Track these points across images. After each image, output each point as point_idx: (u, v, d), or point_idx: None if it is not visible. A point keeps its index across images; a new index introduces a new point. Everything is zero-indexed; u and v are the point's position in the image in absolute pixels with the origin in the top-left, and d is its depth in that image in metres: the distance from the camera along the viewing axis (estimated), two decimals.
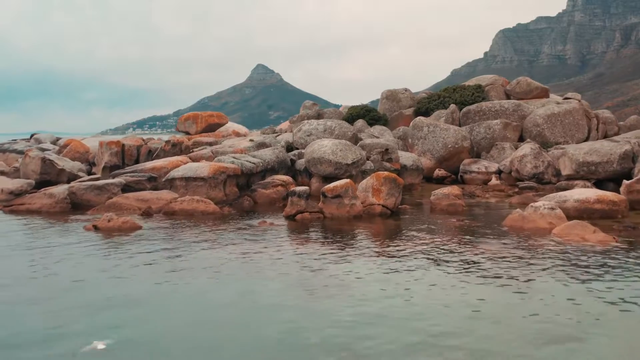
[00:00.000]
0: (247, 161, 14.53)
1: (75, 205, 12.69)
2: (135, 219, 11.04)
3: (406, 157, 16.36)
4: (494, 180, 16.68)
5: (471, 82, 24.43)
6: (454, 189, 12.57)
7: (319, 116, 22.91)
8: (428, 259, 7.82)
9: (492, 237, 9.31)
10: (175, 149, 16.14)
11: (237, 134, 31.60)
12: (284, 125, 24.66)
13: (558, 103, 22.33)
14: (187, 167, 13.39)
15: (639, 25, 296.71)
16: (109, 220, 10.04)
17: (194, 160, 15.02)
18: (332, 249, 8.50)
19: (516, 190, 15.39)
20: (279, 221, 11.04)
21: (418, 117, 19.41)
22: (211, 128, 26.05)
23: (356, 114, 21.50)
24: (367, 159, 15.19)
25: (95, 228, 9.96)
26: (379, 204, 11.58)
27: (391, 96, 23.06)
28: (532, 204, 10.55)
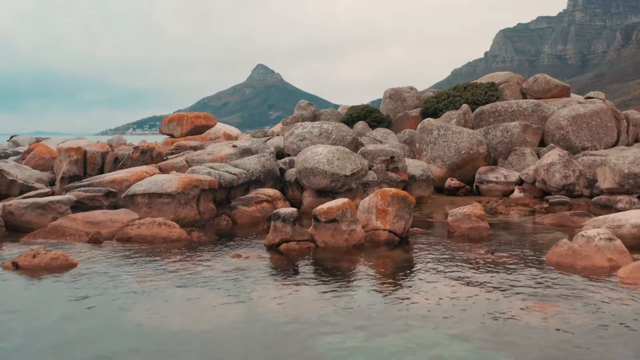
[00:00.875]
0: (226, 172, 12.13)
1: (14, 228, 10.26)
2: (76, 250, 8.64)
3: (415, 166, 13.95)
4: (517, 193, 14.26)
5: (483, 79, 22.02)
6: (475, 208, 10.16)
7: (315, 117, 20.52)
8: (462, 328, 5.40)
9: (541, 282, 6.89)
10: (145, 156, 13.71)
11: (229, 137, 29.22)
12: (277, 127, 22.25)
13: (580, 103, 19.95)
14: (152, 181, 10.99)
15: (639, 25, 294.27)
16: (34, 256, 7.63)
17: (163, 170, 12.61)
18: (324, 304, 6.09)
19: (545, 205, 12.97)
20: (258, 252, 8.64)
21: (427, 119, 16.99)
22: (198, 130, 23.64)
23: (356, 115, 19.11)
24: (370, 169, 12.79)
25: (15, 266, 7.55)
26: (385, 229, 9.18)
27: (395, 95, 20.64)
28: (582, 232, 8.13)
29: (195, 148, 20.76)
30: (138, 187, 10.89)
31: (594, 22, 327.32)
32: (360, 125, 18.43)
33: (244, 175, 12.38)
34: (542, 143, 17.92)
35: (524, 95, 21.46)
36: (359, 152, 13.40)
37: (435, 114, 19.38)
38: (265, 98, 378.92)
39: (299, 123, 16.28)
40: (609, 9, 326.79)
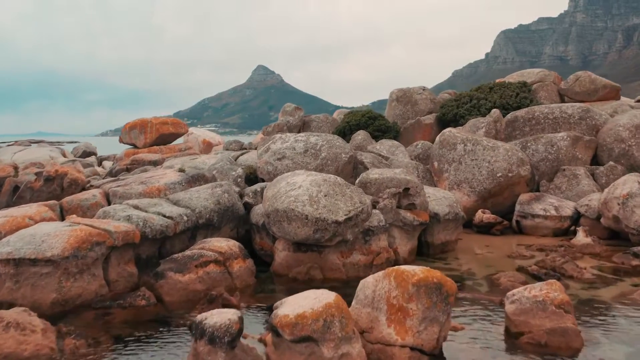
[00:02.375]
0: (158, 214, 7.92)
1: None
2: None
3: (438, 199, 9.70)
4: (582, 237, 9.97)
5: (511, 78, 17.80)
6: (552, 289, 5.91)
7: (304, 125, 16.36)
8: None
9: None
10: (51, 186, 9.46)
11: (209, 145, 24.97)
12: (258, 137, 18.03)
13: (635, 108, 15.75)
14: (25, 236, 6.77)
15: None
16: None
17: (66, 211, 8.39)
18: None
19: (633, 263, 8.72)
20: None
21: (447, 130, 12.74)
22: (165, 139, 19.45)
23: (355, 123, 14.91)
24: (374, 206, 8.58)
25: None
26: (404, 346, 4.99)
27: (404, 98, 16.41)
28: None
29: (155, 163, 16.59)
30: (1, 248, 6.67)
31: (595, 23, 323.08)
32: (361, 136, 14.22)
33: (186, 217, 8.16)
34: (595, 159, 13.72)
35: (561, 98, 17.27)
36: (358, 181, 9.14)
37: (455, 121, 15.17)
38: (265, 99, 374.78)
39: (278, 136, 12.04)
40: (610, 10, 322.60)
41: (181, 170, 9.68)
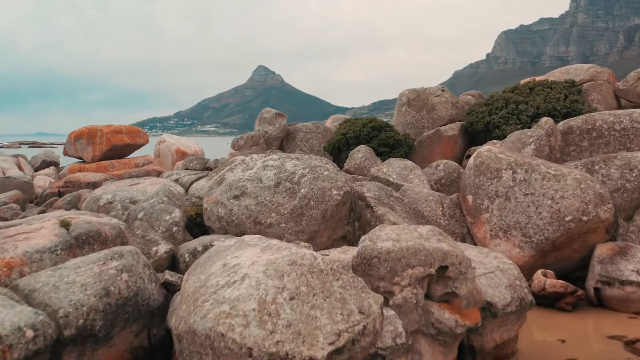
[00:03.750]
0: None
1: None
2: None
3: (490, 274, 5.78)
4: None
5: (552, 75, 13.83)
6: None
7: (287, 136, 12.45)
8: None
9: None
10: None
11: (183, 154, 20.97)
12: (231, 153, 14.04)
13: None
14: None
15: None
16: None
17: None
18: None
19: None
20: None
21: (486, 149, 8.76)
22: (119, 152, 15.55)
23: (354, 135, 10.94)
24: (386, 301, 4.69)
25: None
26: None
27: (417, 101, 12.43)
28: None
29: (95, 185, 12.72)
30: None
31: (596, 24, 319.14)
32: (361, 153, 10.30)
33: (33, 332, 4.26)
34: None
35: (618, 101, 13.38)
36: (357, 255, 5.15)
37: (487, 132, 11.26)
38: (266, 99, 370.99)
39: (240, 158, 8.10)
40: (611, 11, 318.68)
41: (64, 226, 5.77)
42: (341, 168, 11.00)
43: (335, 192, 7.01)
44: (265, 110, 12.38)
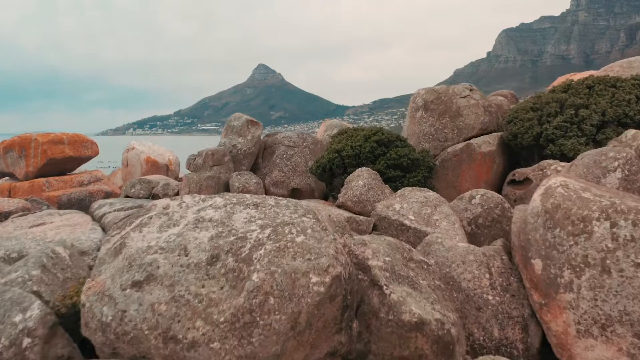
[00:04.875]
0: None
1: None
2: None
3: None
4: None
5: (611, 69, 10.55)
6: None
7: (264, 151, 9.21)
8: None
9: None
10: None
11: (154, 165, 17.73)
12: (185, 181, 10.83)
13: None
14: None
15: None
16: None
17: None
18: None
19: None
20: None
21: (561, 182, 5.49)
22: (59, 166, 12.33)
23: (353, 152, 7.63)
24: None
25: None
26: None
27: (437, 103, 9.02)
28: None
29: (7, 215, 9.54)
30: None
31: (597, 22, 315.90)
32: (363, 180, 7.06)
33: None
34: None
35: None
36: None
37: (538, 148, 8.04)
38: (266, 98, 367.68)
39: (162, 203, 4.84)
40: (613, 9, 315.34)
41: None
42: (334, 200, 7.79)
43: (315, 279, 3.75)
44: (235, 116, 9.13)
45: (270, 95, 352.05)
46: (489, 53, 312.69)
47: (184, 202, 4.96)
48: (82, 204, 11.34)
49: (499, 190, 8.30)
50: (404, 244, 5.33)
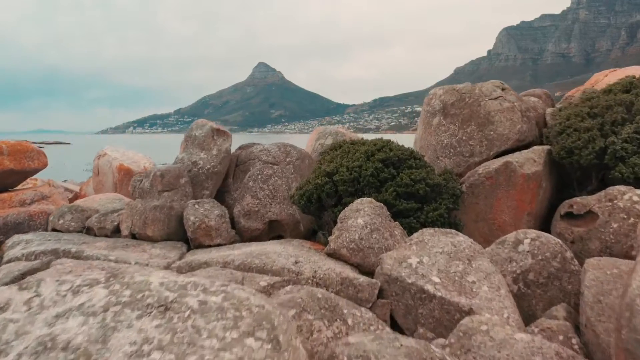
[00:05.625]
0: None
1: None
2: None
3: None
4: None
5: None
6: None
7: (235, 169, 7.08)
8: None
9: None
10: None
11: (127, 173, 15.51)
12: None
13: None
14: None
15: None
16: None
17: None
18: None
19: None
20: None
21: None
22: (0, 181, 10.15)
23: (350, 176, 5.51)
24: None
25: None
26: None
27: (460, 106, 6.82)
28: None
29: None
30: None
31: (598, 20, 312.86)
32: (364, 219, 4.91)
33: None
34: None
35: None
36: None
37: (601, 166, 5.88)
38: (266, 96, 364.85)
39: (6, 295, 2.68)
40: (614, 7, 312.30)
41: None
42: (324, 239, 5.65)
43: None
44: (197, 123, 6.96)
45: (270, 94, 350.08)
46: (489, 51, 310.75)
47: (40, 295, 2.77)
48: (20, 229, 9.23)
49: (545, 224, 6.15)
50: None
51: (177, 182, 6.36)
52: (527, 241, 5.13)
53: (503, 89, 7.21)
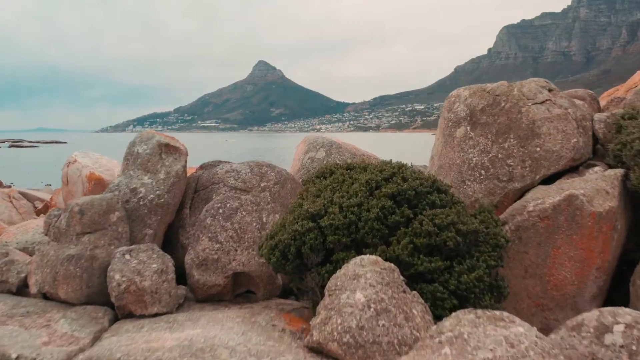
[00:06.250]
0: None
1: None
2: None
3: None
4: None
5: None
6: None
7: (195, 195, 5.33)
8: None
9: None
10: None
11: (99, 183, 13.52)
12: None
13: None
14: None
15: None
16: None
17: None
18: None
19: None
20: None
21: None
22: None
23: (344, 220, 3.72)
24: None
25: None
26: None
27: (494, 113, 5.04)
28: None
29: None
30: None
31: (598, 19, 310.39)
32: (365, 292, 3.15)
33: None
34: None
35: None
36: None
37: None
38: (266, 95, 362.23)
39: None
40: (614, 5, 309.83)
41: None
42: (312, 308, 3.83)
43: None
44: (142, 136, 5.17)
45: (270, 92, 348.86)
46: (489, 49, 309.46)
47: None
48: None
49: (619, 282, 4.37)
50: None
51: (105, 220, 4.55)
52: (618, 328, 3.31)
53: (550, 90, 5.38)
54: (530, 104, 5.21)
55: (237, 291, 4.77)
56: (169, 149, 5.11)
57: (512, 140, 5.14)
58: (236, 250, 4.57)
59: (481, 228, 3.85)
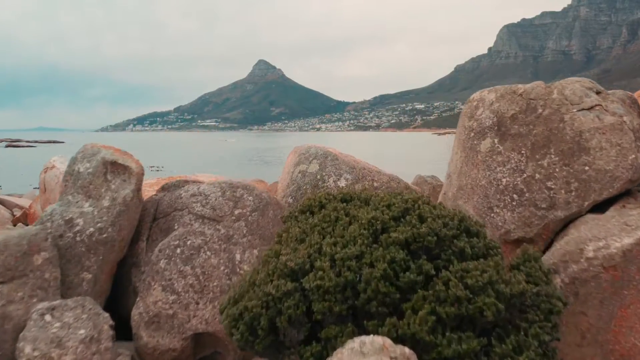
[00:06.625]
0: None
1: None
2: None
3: None
4: None
5: None
6: None
7: (153, 223, 4.27)
8: None
9: None
10: None
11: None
12: None
13: None
14: None
15: None
16: None
17: None
18: None
19: None
20: None
21: None
22: None
23: (337, 281, 2.77)
24: None
25: None
26: None
27: (528, 122, 3.78)
28: None
29: None
30: None
31: (599, 18, 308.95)
32: None
33: None
34: None
35: None
36: None
37: None
38: (266, 94, 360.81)
39: None
40: (614, 4, 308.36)
41: None
42: None
43: None
44: (85, 150, 4.08)
45: (270, 91, 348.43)
46: (490, 49, 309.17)
47: None
48: None
49: None
50: None
51: (26, 264, 3.45)
52: None
53: (598, 92, 4.28)
54: (575, 110, 4.10)
55: (200, 354, 3.68)
56: (116, 168, 4.01)
57: (552, 156, 4.04)
58: (197, 304, 3.47)
59: (529, 288, 2.75)
